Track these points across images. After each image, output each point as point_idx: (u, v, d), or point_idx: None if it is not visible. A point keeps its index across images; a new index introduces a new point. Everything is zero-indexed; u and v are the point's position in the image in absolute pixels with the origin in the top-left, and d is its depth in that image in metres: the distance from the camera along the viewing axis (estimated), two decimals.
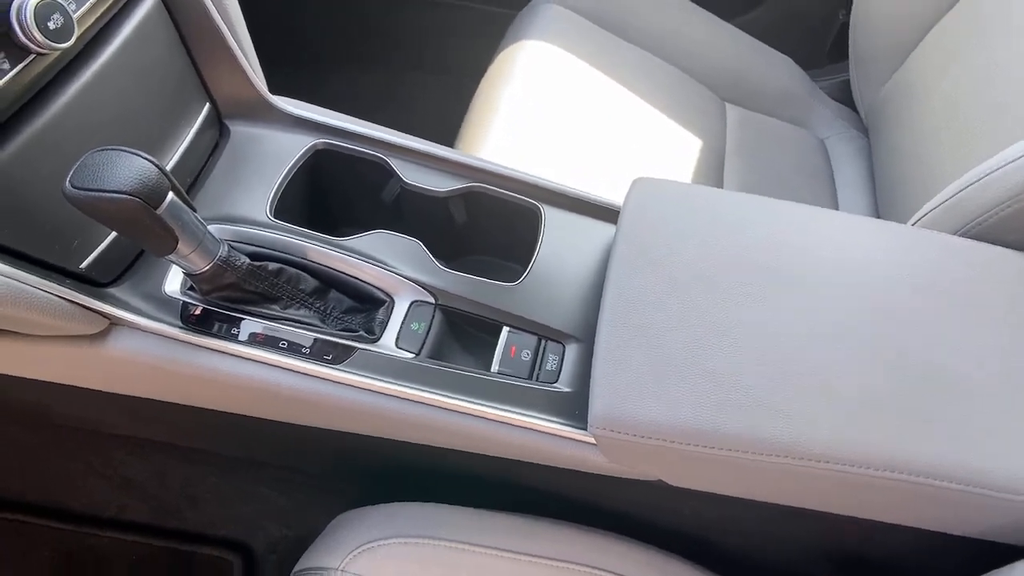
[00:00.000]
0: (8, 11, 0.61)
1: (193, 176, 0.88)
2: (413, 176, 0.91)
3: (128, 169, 0.62)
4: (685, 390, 0.68)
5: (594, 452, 0.72)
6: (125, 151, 0.63)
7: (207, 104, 0.91)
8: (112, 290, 0.76)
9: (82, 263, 0.75)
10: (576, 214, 0.92)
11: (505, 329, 0.80)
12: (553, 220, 0.90)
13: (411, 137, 0.94)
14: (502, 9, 1.69)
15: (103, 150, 0.63)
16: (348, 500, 1.13)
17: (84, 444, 1.16)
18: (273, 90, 0.96)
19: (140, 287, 0.77)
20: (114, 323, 0.74)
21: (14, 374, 0.80)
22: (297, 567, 0.84)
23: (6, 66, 0.63)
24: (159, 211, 0.64)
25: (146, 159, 0.63)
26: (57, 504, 1.24)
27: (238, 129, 0.93)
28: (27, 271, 0.67)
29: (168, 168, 0.83)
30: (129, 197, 0.61)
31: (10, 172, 0.65)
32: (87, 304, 0.70)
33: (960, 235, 0.82)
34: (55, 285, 0.68)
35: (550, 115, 1.25)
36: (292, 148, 0.92)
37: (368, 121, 0.96)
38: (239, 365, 0.73)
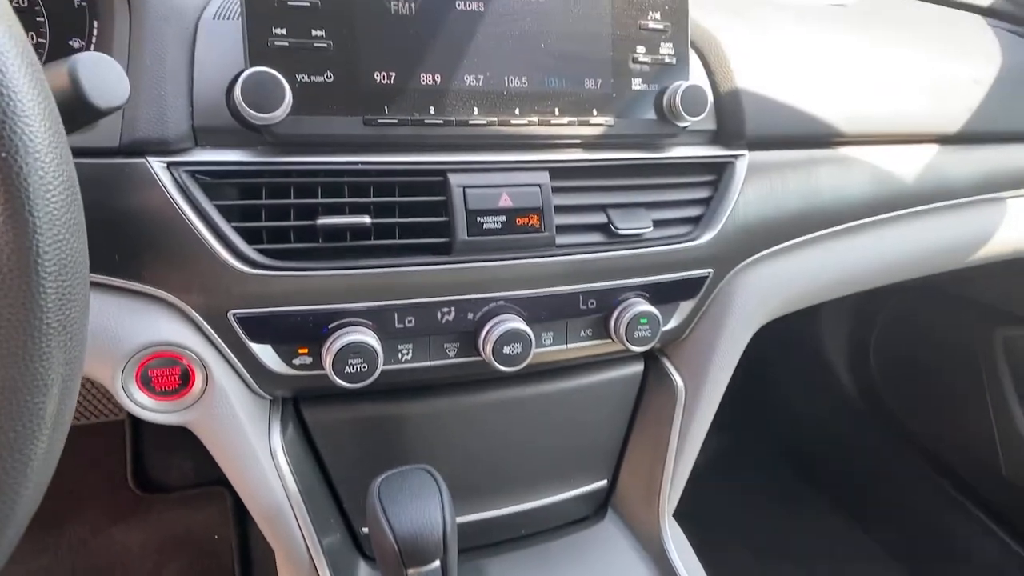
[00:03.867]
0: None
1: None
2: None
3: (421, 519, 0.56)
4: None
5: None
6: (444, 505, 0.57)
7: None
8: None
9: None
10: None
11: None
12: None
13: None
14: None
15: (437, 483, 0.59)
16: None
17: None
18: None
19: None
20: None
21: None
22: None
23: None
24: (409, 570, 0.56)
25: (446, 526, 0.56)
26: None
27: None
28: None
29: None
30: (392, 541, 0.55)
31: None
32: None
33: None
34: None
35: None
36: None
37: None
38: None
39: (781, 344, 1.82)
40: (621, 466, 0.81)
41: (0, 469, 0.37)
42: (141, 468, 1.36)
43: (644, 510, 0.80)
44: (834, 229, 0.84)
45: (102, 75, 0.48)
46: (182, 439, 1.41)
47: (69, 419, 0.41)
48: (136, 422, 1.36)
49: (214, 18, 0.62)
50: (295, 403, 0.69)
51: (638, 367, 0.81)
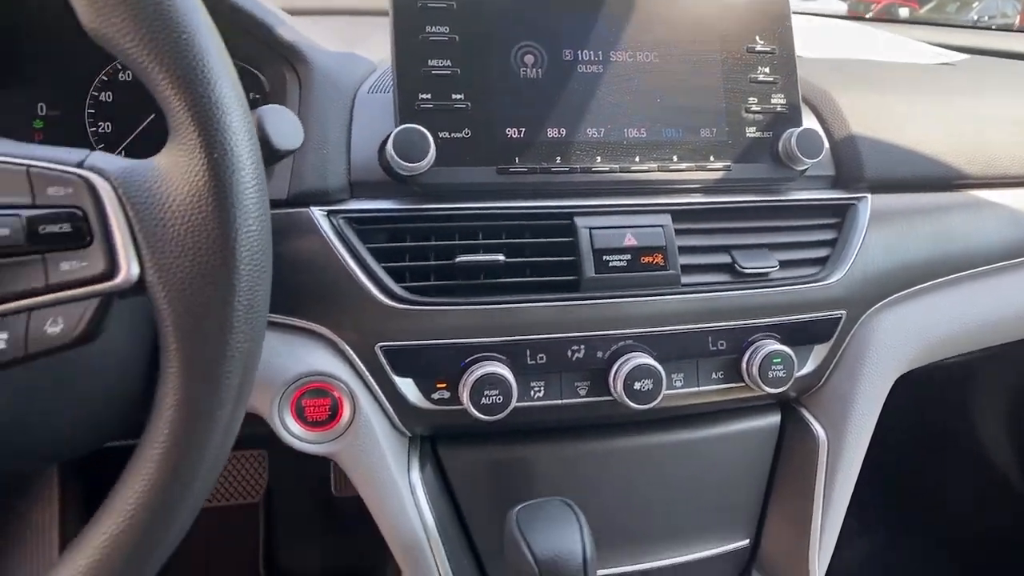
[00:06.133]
0: None
1: None
2: None
3: (561, 545, 0.56)
4: None
5: None
6: (583, 532, 0.57)
7: None
8: None
9: None
10: None
11: None
12: None
13: None
14: None
15: (575, 513, 0.59)
16: None
17: None
18: None
19: None
20: None
21: None
22: None
23: None
24: None
25: (587, 552, 0.56)
26: None
27: None
28: None
29: None
30: (532, 564, 0.55)
31: None
32: None
33: None
34: None
35: None
36: None
37: None
38: None
39: (935, 442, 1.68)
40: (764, 525, 0.77)
41: (190, 430, 0.41)
42: (272, 555, 1.40)
43: (792, 572, 0.74)
44: (972, 271, 0.81)
45: (283, 122, 0.57)
46: (312, 527, 1.44)
47: (246, 396, 0.45)
48: (270, 507, 1.41)
49: (368, 92, 0.71)
50: (432, 445, 0.72)
51: (775, 418, 0.78)
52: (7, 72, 0.76)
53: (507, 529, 0.58)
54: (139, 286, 0.41)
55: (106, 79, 0.80)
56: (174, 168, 0.41)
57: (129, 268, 0.40)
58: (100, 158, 0.42)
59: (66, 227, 0.40)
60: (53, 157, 0.42)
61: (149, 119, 0.79)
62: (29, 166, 0.41)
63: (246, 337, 0.42)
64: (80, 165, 0.41)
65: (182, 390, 0.40)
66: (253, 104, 0.81)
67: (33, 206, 0.40)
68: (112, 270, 0.41)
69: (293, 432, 0.65)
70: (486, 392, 0.64)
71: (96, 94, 0.79)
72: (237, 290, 0.41)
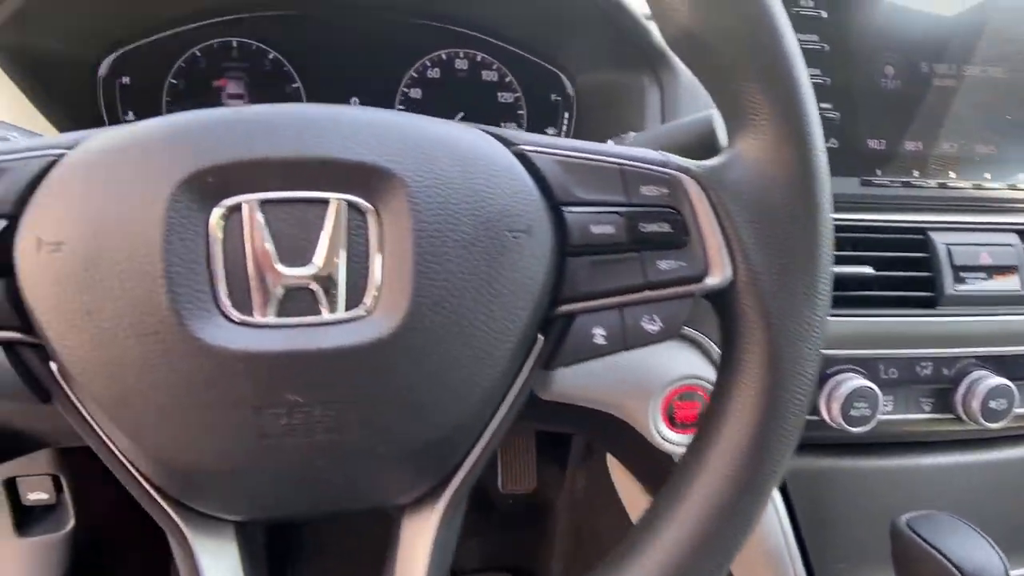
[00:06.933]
0: None
1: None
2: None
3: (980, 556, 0.56)
4: None
5: None
6: (992, 543, 0.57)
7: None
8: None
9: None
10: None
11: None
12: None
13: None
14: None
15: (967, 524, 0.59)
16: None
17: None
18: None
19: None
20: None
21: None
22: None
23: None
24: None
25: (1006, 565, 0.56)
26: None
27: None
28: None
29: None
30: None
31: None
32: None
33: None
34: None
35: None
36: None
37: None
38: None
39: None
40: None
41: (776, 442, 0.41)
42: None
43: None
44: None
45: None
46: (477, 522, 1.44)
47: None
48: None
49: None
50: None
51: None
52: (320, 70, 0.77)
53: (903, 537, 0.58)
54: (728, 287, 0.41)
55: (416, 76, 0.80)
56: (765, 170, 0.41)
57: (723, 270, 0.40)
58: (676, 157, 0.42)
59: (665, 226, 0.40)
60: (636, 156, 0.41)
61: (459, 116, 0.79)
62: (621, 165, 0.41)
63: (822, 334, 0.42)
64: (664, 165, 0.41)
65: (770, 392, 0.40)
66: (555, 107, 0.81)
67: (629, 204, 0.40)
68: (706, 271, 0.40)
69: (663, 434, 0.65)
70: (855, 404, 0.64)
71: (406, 91, 0.79)
72: (820, 290, 0.41)
